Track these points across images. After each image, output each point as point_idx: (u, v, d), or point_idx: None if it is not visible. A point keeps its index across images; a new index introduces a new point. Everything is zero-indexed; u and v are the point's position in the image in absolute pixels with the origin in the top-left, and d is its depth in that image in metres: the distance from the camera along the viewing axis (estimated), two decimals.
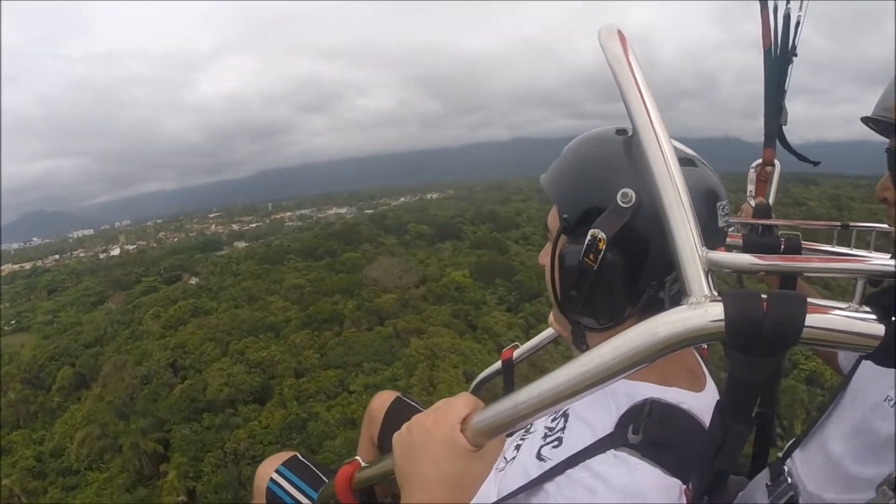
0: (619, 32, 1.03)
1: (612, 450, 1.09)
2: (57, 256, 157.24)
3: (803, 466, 1.53)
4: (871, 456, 1.32)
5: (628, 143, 1.21)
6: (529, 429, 1.40)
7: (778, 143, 2.71)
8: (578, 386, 0.94)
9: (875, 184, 1.71)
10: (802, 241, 2.14)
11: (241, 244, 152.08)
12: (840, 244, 2.23)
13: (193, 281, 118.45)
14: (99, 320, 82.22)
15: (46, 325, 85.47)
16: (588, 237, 1.16)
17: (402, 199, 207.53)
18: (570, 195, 1.26)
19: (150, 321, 72.29)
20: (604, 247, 1.15)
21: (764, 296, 0.82)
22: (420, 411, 2.08)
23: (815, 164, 2.83)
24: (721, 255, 0.91)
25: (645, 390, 1.18)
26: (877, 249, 2.08)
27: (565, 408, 1.26)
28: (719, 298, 0.84)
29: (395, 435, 1.28)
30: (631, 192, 1.13)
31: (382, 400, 2.68)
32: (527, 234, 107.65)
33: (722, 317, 0.82)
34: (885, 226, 2.09)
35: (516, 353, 2.53)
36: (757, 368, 0.86)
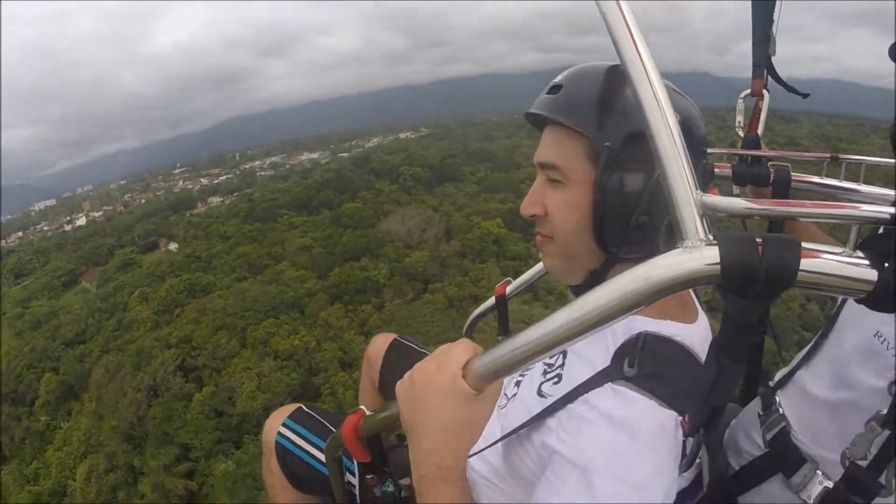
0: None
1: (610, 383, 1.10)
2: (20, 234, 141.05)
3: (788, 399, 1.57)
4: (847, 393, 1.37)
5: None
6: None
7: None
8: (575, 330, 0.94)
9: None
10: (792, 173, 2.13)
11: (216, 199, 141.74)
12: (829, 177, 2.17)
13: (173, 247, 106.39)
14: (77, 308, 70.12)
15: (17, 318, 72.60)
16: None
17: (375, 140, 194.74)
18: (610, 123, 1.23)
19: (137, 306, 60.84)
20: None
21: (759, 239, 0.82)
22: (418, 351, 2.38)
23: (805, 95, 2.74)
24: (716, 199, 0.90)
25: (639, 324, 1.19)
26: (866, 182, 2.06)
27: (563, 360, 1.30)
28: (715, 242, 0.84)
29: (398, 384, 1.27)
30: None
31: (379, 344, 2.59)
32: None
33: (718, 260, 0.82)
34: (875, 159, 2.09)
35: (509, 289, 2.54)
36: (752, 310, 0.87)
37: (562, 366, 1.26)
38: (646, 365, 1.10)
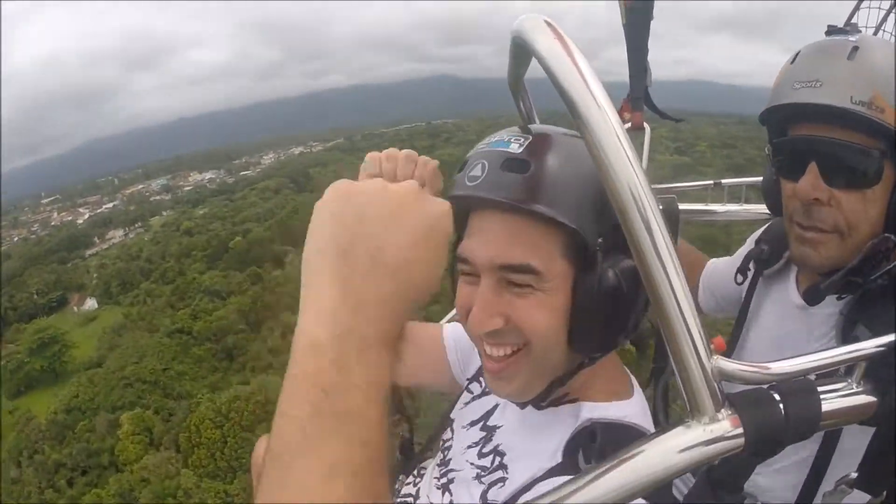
0: (549, 23, 0.76)
1: None
2: None
3: None
4: None
5: None
6: (447, 462, 1.27)
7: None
8: None
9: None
10: (679, 203, 2.03)
11: (117, 233, 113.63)
12: (714, 201, 2.25)
13: (91, 304, 73.94)
14: None
15: None
16: None
17: (270, 156, 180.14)
18: (598, 210, 0.94)
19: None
20: None
21: (776, 395, 0.77)
22: None
23: (678, 121, 2.88)
24: (732, 366, 0.77)
25: (586, 411, 1.05)
26: (748, 202, 2.16)
27: (496, 443, 1.18)
28: (733, 412, 0.76)
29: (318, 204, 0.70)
30: None
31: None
32: None
33: (741, 431, 0.75)
34: (754, 179, 2.14)
35: None
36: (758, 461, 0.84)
37: (501, 467, 1.10)
38: (603, 457, 0.92)
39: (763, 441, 0.75)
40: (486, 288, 0.98)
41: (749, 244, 1.76)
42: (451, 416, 1.36)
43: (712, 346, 0.76)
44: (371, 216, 0.66)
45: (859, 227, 1.30)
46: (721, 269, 1.92)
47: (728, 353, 1.62)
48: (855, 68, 1.25)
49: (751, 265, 1.70)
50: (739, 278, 1.73)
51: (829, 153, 1.29)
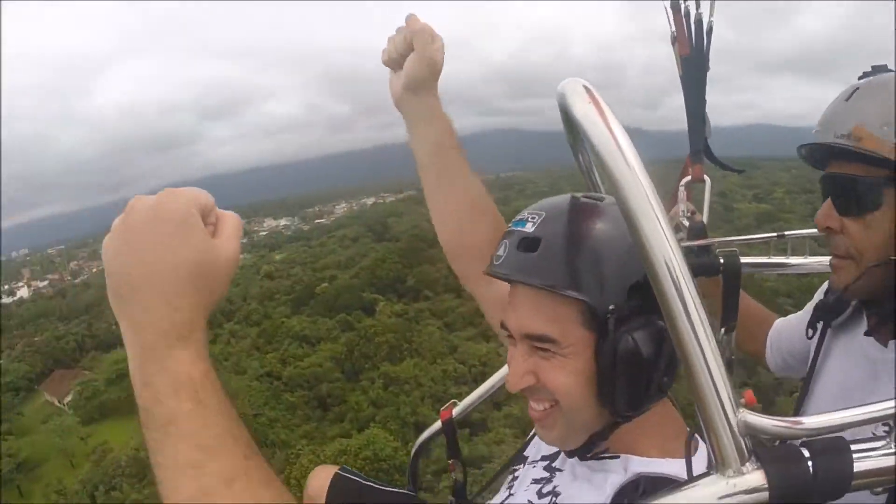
0: (587, 88, 0.81)
1: None
2: None
3: None
4: None
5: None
6: (511, 494, 1.34)
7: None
8: None
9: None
10: (741, 257, 1.98)
11: None
12: (777, 253, 2.19)
13: None
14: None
15: None
16: None
17: (343, 205, 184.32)
18: (609, 279, 1.01)
19: None
20: None
21: (806, 452, 0.74)
22: (366, 486, 2.13)
23: (740, 171, 2.87)
24: (760, 420, 0.76)
25: (636, 465, 1.08)
26: (812, 254, 2.11)
27: (555, 485, 1.24)
28: (759, 465, 0.74)
29: (105, 238, 0.81)
30: None
31: (320, 480, 2.16)
32: None
33: (766, 487, 0.73)
34: (817, 230, 2.03)
35: (456, 411, 2.25)
36: None
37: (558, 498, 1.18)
38: None
39: (788, 499, 0.73)
40: (518, 352, 1.11)
41: (818, 296, 1.70)
42: (525, 453, 1.43)
43: (742, 400, 0.75)
44: (124, 246, 0.77)
45: (866, 251, 1.36)
46: (789, 326, 1.89)
47: (797, 407, 1.66)
48: (847, 107, 1.34)
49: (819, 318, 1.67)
50: (810, 332, 1.68)
51: (834, 186, 1.41)
